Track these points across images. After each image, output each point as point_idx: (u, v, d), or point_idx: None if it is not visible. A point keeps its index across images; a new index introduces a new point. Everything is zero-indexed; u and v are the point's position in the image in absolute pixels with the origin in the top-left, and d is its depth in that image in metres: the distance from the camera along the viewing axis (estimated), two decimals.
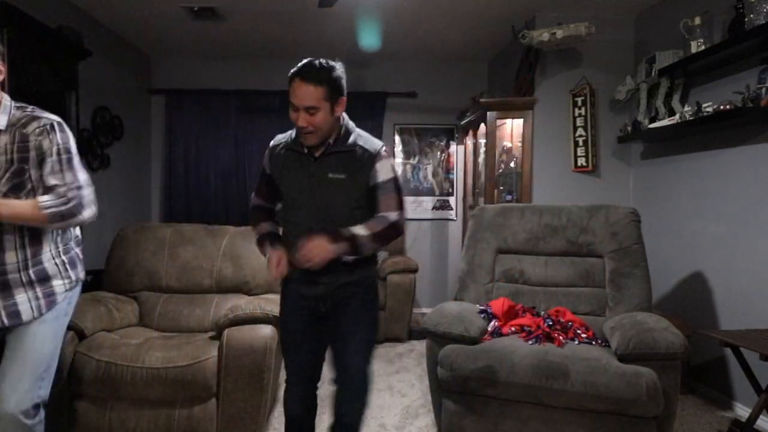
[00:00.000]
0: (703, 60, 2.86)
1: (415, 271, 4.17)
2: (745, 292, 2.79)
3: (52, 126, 1.65)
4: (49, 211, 1.62)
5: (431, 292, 5.26)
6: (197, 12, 3.83)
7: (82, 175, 1.72)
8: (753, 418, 2.24)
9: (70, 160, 1.68)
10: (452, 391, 2.15)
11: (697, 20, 2.97)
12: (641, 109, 3.48)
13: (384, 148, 1.74)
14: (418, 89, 5.15)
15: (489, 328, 2.37)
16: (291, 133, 1.78)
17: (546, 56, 3.83)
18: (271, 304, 2.38)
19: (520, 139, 3.93)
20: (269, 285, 2.74)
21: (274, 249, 1.76)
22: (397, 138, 5.24)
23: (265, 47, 4.77)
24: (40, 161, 1.64)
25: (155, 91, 5.11)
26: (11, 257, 1.66)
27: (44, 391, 1.72)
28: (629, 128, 3.61)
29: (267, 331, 2.28)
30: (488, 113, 3.87)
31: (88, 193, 1.72)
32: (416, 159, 5.29)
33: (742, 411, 2.73)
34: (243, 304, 2.35)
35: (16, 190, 1.62)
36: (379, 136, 5.02)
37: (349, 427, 1.84)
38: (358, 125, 1.81)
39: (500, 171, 4.10)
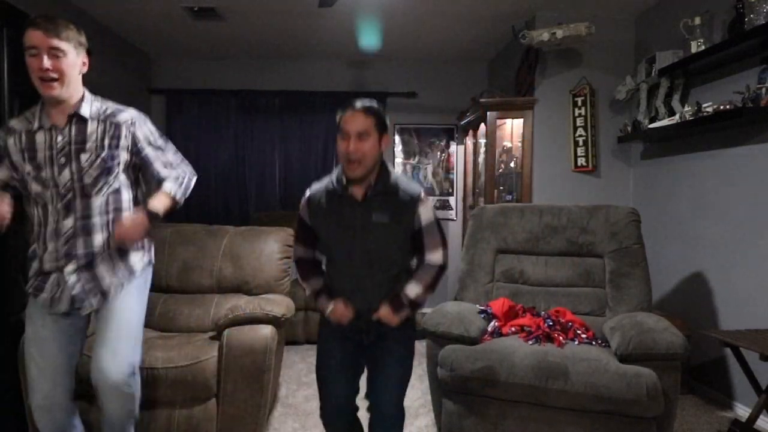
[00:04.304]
0: (703, 60, 2.86)
1: None
2: (745, 292, 2.79)
3: (141, 117, 1.85)
4: (179, 197, 1.91)
5: None
6: (197, 12, 3.83)
7: (174, 151, 1.97)
8: (753, 418, 2.24)
9: (164, 144, 1.92)
10: (452, 391, 2.15)
11: (697, 20, 2.97)
12: (641, 109, 3.48)
13: (423, 191, 1.76)
14: (418, 89, 5.15)
15: (489, 329, 2.37)
16: (329, 179, 1.76)
17: (546, 56, 3.83)
18: (271, 304, 2.38)
19: (520, 139, 3.93)
20: (269, 285, 2.74)
21: (334, 301, 1.77)
22: (397, 138, 5.24)
23: (265, 47, 4.77)
24: (133, 148, 1.81)
25: (155, 91, 5.11)
26: (98, 239, 1.78)
27: (138, 357, 1.87)
28: (629, 128, 3.61)
29: (267, 331, 2.28)
30: (488, 113, 3.87)
31: (186, 163, 2.00)
32: (416, 159, 5.28)
33: (742, 411, 2.73)
34: (243, 304, 2.35)
35: (106, 174, 1.75)
36: None
37: None
38: None
39: (500, 171, 4.10)
